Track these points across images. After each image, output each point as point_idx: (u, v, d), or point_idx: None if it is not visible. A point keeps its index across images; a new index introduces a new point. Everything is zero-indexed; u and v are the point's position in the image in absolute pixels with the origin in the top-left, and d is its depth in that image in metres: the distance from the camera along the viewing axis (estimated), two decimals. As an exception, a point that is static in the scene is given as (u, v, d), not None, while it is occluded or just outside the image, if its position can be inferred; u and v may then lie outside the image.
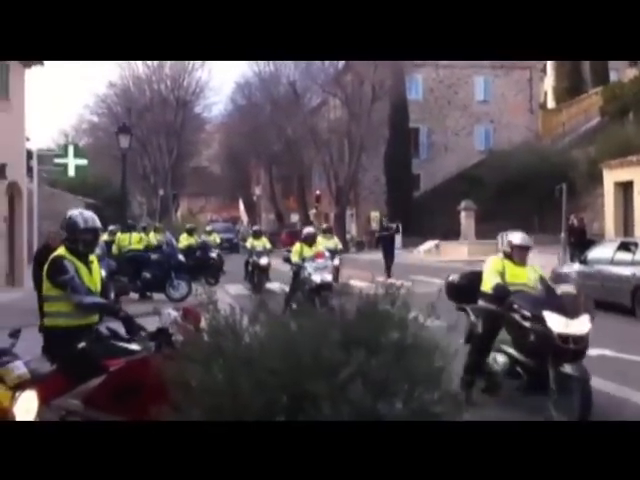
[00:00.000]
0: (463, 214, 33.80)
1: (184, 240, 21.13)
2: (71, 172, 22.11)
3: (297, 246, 13.52)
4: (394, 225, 29.31)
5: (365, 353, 2.40)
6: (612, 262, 14.43)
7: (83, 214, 5.43)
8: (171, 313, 4.88)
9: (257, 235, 20.03)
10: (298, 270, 12.75)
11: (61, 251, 5.40)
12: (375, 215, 43.15)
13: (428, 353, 2.60)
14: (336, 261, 14.31)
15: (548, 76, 52.18)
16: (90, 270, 5.42)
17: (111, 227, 19.68)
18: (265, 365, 2.46)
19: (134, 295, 16.82)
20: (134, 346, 5.07)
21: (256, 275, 18.45)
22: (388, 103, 41.40)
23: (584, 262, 15.56)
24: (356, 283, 8.18)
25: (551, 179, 30.31)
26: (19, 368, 3.90)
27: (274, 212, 59.84)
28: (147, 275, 16.84)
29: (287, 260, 14.01)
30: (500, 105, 46.58)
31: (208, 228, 25.71)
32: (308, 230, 14.30)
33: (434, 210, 38.01)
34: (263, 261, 18.45)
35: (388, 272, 22.41)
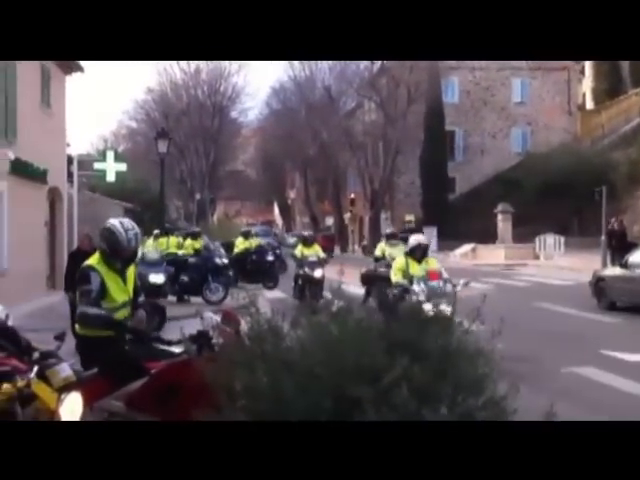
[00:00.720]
0: (500, 217, 33.50)
1: (240, 244, 21.05)
2: (111, 177, 22.44)
3: (400, 261, 9.86)
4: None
5: (409, 358, 2.40)
6: None
7: (127, 232, 5.31)
8: (212, 317, 4.93)
9: (307, 242, 17.03)
10: (402, 294, 9.22)
11: (94, 260, 5.38)
12: (410, 218, 42.98)
13: (472, 358, 2.58)
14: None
15: (586, 77, 51.43)
16: (124, 279, 5.40)
17: (156, 231, 19.91)
18: (307, 369, 2.47)
19: (172, 298, 17.05)
20: (175, 348, 5.14)
21: (308, 289, 15.41)
22: (424, 106, 41.22)
23: (624, 266, 15.27)
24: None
25: (590, 181, 29.85)
26: (65, 370, 3.97)
27: (309, 215, 59.97)
28: (185, 278, 17.04)
29: (379, 279, 11.21)
30: (537, 107, 46.04)
31: (243, 230, 25.83)
32: (418, 239, 9.99)
33: (470, 213, 37.73)
34: (317, 273, 15.84)
35: None
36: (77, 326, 5.48)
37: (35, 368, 4.00)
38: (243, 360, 2.68)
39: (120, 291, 5.35)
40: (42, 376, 3.94)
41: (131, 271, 5.53)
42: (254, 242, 21.86)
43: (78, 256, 12.27)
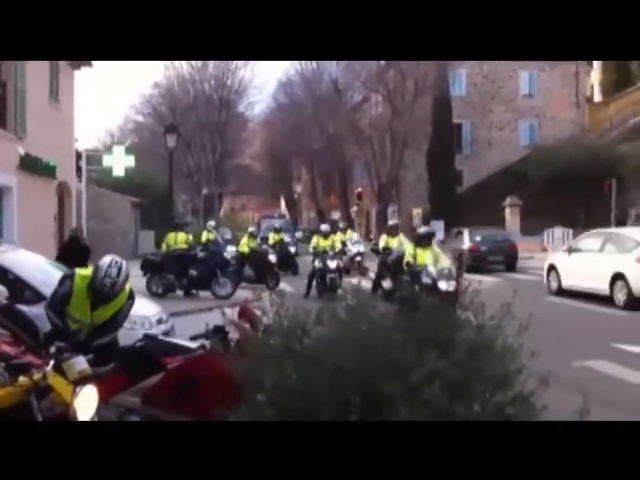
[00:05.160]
0: (508, 210, 33.40)
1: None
2: (120, 172, 22.48)
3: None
4: None
5: (438, 354, 2.39)
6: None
7: (111, 273, 5.59)
8: (233, 312, 4.94)
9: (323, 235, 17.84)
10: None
11: (81, 272, 5.89)
12: (417, 212, 42.86)
13: (501, 354, 2.57)
14: None
15: (594, 69, 51.15)
16: (94, 307, 5.73)
17: (211, 222, 21.00)
18: (335, 365, 2.46)
19: (180, 292, 17.09)
20: (191, 344, 5.15)
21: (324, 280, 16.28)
22: (431, 99, 41.03)
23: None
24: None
25: (598, 174, 29.69)
26: (80, 363, 3.96)
27: (315, 210, 59.87)
28: (193, 273, 17.05)
29: None
30: (545, 99, 45.78)
31: (277, 225, 25.94)
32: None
33: (478, 206, 37.56)
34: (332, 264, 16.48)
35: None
36: None
37: (52, 361, 4.00)
38: (270, 356, 2.67)
39: (80, 311, 5.74)
40: (58, 369, 3.95)
41: (112, 305, 5.80)
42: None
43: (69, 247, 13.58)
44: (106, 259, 5.71)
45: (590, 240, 16.18)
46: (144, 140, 50.07)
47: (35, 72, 17.24)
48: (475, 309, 2.70)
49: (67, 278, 5.90)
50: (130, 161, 23.02)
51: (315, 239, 17.91)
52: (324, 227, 18.93)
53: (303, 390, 2.40)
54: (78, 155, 22.00)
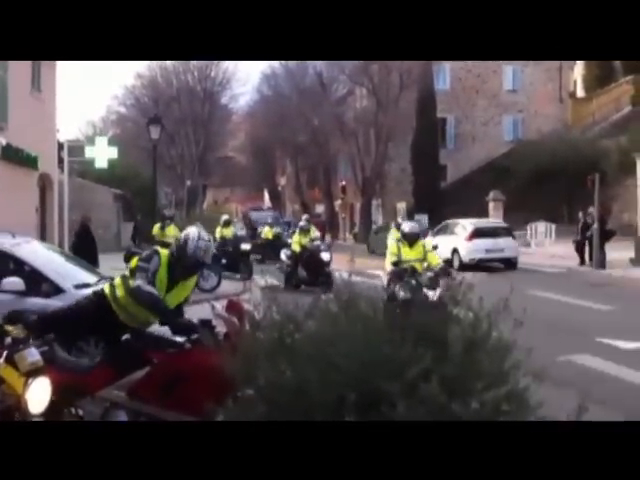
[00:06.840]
0: (491, 205, 33.51)
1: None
2: (103, 163, 22.24)
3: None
4: None
5: (433, 351, 2.37)
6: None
7: (202, 245, 5.26)
8: (222, 306, 4.90)
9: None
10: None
11: (163, 251, 5.40)
12: (401, 206, 42.91)
13: (496, 350, 2.55)
14: None
15: (578, 65, 51.34)
16: (171, 286, 5.33)
17: (225, 217, 21.28)
18: (329, 362, 2.43)
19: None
20: (179, 338, 5.10)
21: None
22: (415, 93, 41.06)
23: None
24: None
25: (581, 169, 29.84)
26: (33, 355, 3.93)
27: (299, 202, 59.74)
28: (177, 266, 16.84)
29: None
30: (529, 94, 45.98)
31: (304, 222, 24.40)
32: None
33: (462, 201, 37.68)
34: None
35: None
36: None
37: (4, 353, 3.93)
38: (263, 352, 2.63)
39: (159, 292, 5.25)
40: (10, 360, 3.89)
41: (185, 287, 5.46)
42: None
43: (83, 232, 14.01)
44: (192, 228, 5.44)
45: (444, 227, 25.08)
46: (126, 131, 49.74)
47: (17, 62, 17.01)
48: (469, 304, 2.69)
49: (154, 254, 5.31)
50: (113, 152, 22.78)
51: (393, 248, 10.60)
52: (409, 226, 11.18)
53: (297, 387, 2.38)
54: (60, 146, 21.73)
